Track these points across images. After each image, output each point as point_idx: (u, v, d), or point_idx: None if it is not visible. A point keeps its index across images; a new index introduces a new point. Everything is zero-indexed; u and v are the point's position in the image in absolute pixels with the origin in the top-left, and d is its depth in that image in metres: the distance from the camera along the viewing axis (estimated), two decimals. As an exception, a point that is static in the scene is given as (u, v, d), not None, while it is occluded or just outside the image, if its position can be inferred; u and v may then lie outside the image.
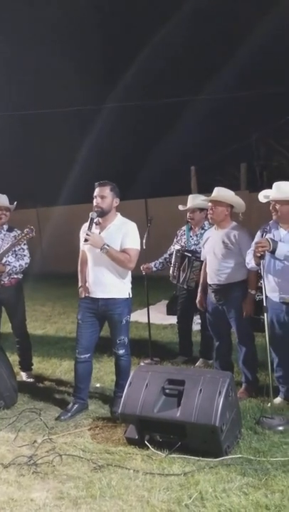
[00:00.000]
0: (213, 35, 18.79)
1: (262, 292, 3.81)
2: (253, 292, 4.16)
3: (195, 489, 2.80)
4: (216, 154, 15.28)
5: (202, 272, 4.60)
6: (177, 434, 3.22)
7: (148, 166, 18.43)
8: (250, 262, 3.86)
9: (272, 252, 3.66)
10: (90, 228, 3.81)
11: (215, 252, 4.26)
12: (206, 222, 5.07)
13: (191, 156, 15.71)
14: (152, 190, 14.71)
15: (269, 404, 3.73)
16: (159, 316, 7.27)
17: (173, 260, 5.15)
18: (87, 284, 4.01)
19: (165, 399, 3.35)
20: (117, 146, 19.99)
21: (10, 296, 4.74)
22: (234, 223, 4.30)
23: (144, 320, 5.79)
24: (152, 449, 3.25)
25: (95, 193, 3.92)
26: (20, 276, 4.81)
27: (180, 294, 5.33)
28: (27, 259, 4.71)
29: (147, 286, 5.35)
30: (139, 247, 3.97)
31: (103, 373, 4.90)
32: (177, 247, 5.20)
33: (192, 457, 3.14)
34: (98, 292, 3.93)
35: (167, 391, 3.38)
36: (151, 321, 5.58)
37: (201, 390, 3.24)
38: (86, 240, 3.78)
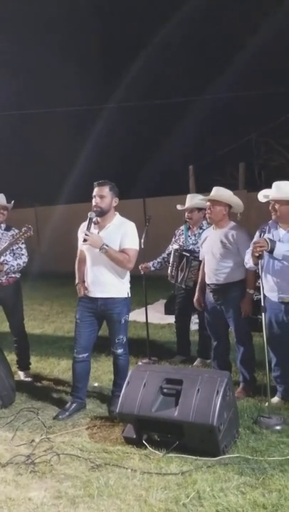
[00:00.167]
0: (213, 36, 18.79)
1: (260, 292, 3.82)
2: (251, 292, 4.17)
3: (193, 488, 2.80)
4: (214, 154, 15.30)
5: (200, 271, 4.60)
6: (175, 433, 3.22)
7: (146, 166, 18.44)
8: (249, 261, 3.86)
9: (271, 252, 3.66)
10: (88, 228, 3.80)
11: (213, 251, 4.26)
12: (204, 222, 5.08)
13: (190, 155, 15.72)
14: (150, 190, 14.72)
15: (266, 404, 3.74)
16: (157, 316, 7.27)
17: (171, 260, 5.15)
18: (86, 284, 4.01)
19: (163, 398, 3.36)
20: (115, 146, 19.99)
21: (8, 295, 4.74)
22: (232, 223, 4.30)
23: (142, 319, 5.79)
24: (150, 449, 3.26)
25: (94, 193, 3.92)
26: (18, 275, 4.80)
27: (178, 293, 5.33)
28: (25, 258, 4.71)
29: (145, 285, 5.35)
30: (138, 247, 3.97)
31: (101, 372, 4.90)
32: (175, 246, 5.20)
33: (190, 456, 3.14)
34: (97, 292, 3.93)
35: (165, 390, 3.39)
36: (149, 321, 5.59)
37: (198, 389, 3.24)
38: (85, 240, 3.77)
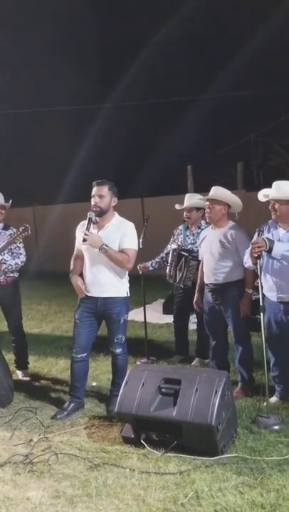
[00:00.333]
0: (212, 36, 18.80)
1: (258, 292, 3.81)
2: (249, 291, 4.17)
3: (191, 488, 2.80)
4: (212, 153, 15.30)
5: (199, 271, 4.60)
6: (173, 433, 3.22)
7: (145, 165, 18.44)
8: (248, 261, 3.86)
9: (269, 252, 3.66)
10: (88, 228, 3.78)
11: (212, 251, 4.26)
12: (202, 222, 5.08)
13: (188, 155, 15.72)
14: (149, 190, 14.72)
15: (265, 404, 3.73)
16: (155, 315, 7.27)
17: (169, 259, 5.15)
18: (85, 284, 4.00)
19: (161, 398, 3.35)
20: (113, 145, 19.98)
21: (6, 294, 4.73)
22: (231, 223, 4.30)
23: (141, 319, 5.79)
24: (148, 448, 3.25)
25: (93, 192, 3.90)
26: (16, 274, 4.80)
27: (176, 293, 5.33)
28: (23, 258, 4.70)
29: (144, 285, 5.35)
30: (137, 247, 3.97)
31: (99, 372, 4.90)
32: (174, 246, 5.20)
33: (188, 456, 3.14)
34: (97, 292, 3.92)
35: (163, 390, 3.38)
36: (147, 320, 5.58)
37: (197, 389, 3.24)
38: (85, 240, 3.75)
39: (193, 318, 5.58)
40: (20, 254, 4.68)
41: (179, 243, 5.19)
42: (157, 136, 19.71)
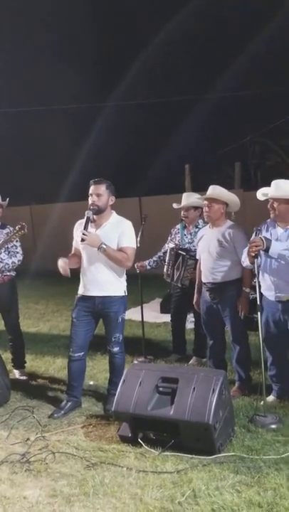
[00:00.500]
0: (211, 36, 18.79)
1: (255, 291, 3.81)
2: (247, 290, 4.17)
3: (188, 487, 2.80)
4: (210, 153, 15.31)
5: (197, 270, 4.59)
6: (170, 432, 3.22)
7: (142, 165, 18.44)
8: (245, 260, 3.86)
9: (266, 251, 3.65)
10: (86, 227, 3.77)
11: (210, 250, 4.26)
12: (200, 221, 5.08)
13: (186, 154, 15.72)
14: (146, 189, 14.71)
15: (262, 403, 3.74)
16: (152, 315, 7.27)
17: (167, 258, 5.15)
18: (83, 283, 3.99)
19: (158, 397, 3.35)
20: (111, 145, 19.96)
21: (3, 293, 4.72)
22: (229, 222, 4.30)
23: (138, 318, 5.78)
24: (145, 447, 3.26)
25: (91, 191, 3.89)
26: (13, 273, 4.78)
27: (174, 292, 5.33)
28: (20, 257, 4.69)
29: (141, 284, 5.34)
30: (135, 246, 3.97)
31: (96, 371, 4.89)
32: (171, 245, 5.20)
33: (185, 455, 3.14)
34: (94, 290, 3.92)
35: (161, 389, 3.38)
36: (145, 319, 5.58)
37: (194, 388, 3.24)
38: (83, 240, 3.74)
39: (190, 317, 5.58)
40: (17, 253, 4.67)
41: (177, 242, 5.18)
42: (155, 136, 19.70)
